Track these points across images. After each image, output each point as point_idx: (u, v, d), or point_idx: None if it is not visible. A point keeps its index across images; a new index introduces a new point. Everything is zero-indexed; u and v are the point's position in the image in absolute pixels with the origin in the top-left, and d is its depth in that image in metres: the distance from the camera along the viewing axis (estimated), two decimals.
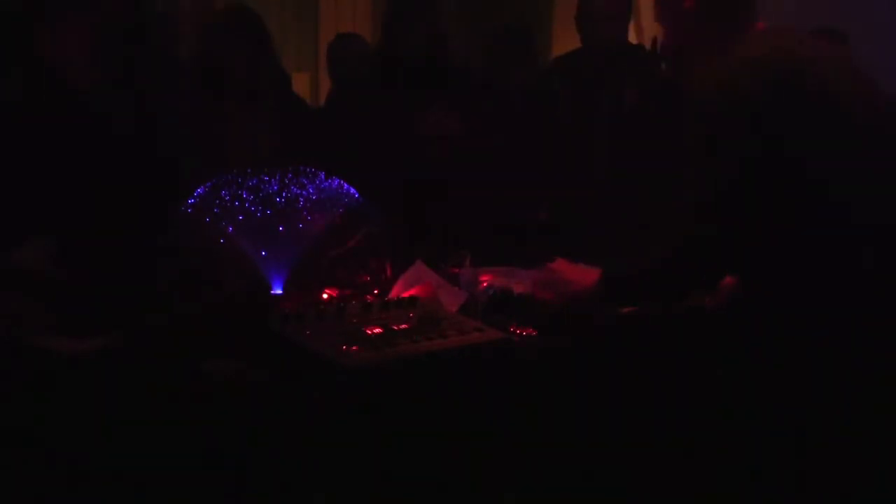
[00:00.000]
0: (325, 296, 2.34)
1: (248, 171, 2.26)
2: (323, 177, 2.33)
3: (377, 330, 1.93)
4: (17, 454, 1.54)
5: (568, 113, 3.39)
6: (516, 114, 3.44)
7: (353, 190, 2.36)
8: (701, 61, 2.03)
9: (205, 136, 2.87)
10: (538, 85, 3.59)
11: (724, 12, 2.06)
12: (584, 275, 2.12)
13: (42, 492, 1.54)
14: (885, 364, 1.83)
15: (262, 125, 3.00)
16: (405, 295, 2.23)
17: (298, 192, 2.27)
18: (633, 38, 4.07)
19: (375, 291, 2.42)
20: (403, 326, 1.97)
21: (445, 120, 3.19)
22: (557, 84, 3.46)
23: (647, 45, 3.86)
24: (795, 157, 1.83)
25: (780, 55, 1.92)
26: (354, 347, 1.83)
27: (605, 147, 3.32)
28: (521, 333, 2.12)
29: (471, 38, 5.31)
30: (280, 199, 2.24)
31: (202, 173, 2.33)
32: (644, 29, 4.98)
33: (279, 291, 2.28)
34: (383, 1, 5.33)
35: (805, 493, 1.92)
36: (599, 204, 3.25)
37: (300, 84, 4.60)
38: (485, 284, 2.37)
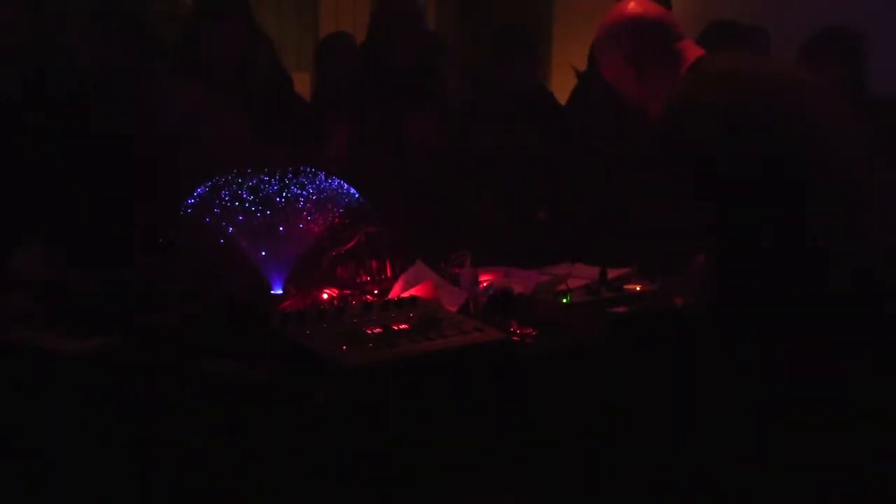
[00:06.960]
0: (325, 296, 2.34)
1: (249, 171, 2.26)
2: (323, 177, 2.33)
3: (377, 330, 1.93)
4: (17, 454, 1.54)
5: (582, 121, 3.39)
6: (519, 114, 3.44)
7: (353, 190, 2.36)
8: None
9: (194, 132, 2.81)
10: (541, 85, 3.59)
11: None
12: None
13: (42, 491, 1.54)
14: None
15: (249, 122, 2.84)
16: (405, 295, 2.23)
17: (298, 192, 2.27)
18: None
19: (375, 291, 2.42)
20: (403, 326, 1.96)
21: (425, 125, 3.18)
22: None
23: None
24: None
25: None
26: (354, 347, 1.83)
27: (618, 150, 3.32)
28: (521, 333, 2.12)
29: (471, 38, 5.32)
30: (280, 199, 2.24)
31: (197, 171, 2.32)
32: None
33: (279, 291, 2.28)
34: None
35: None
36: (609, 207, 3.24)
37: (300, 84, 4.60)
38: (485, 284, 2.37)
